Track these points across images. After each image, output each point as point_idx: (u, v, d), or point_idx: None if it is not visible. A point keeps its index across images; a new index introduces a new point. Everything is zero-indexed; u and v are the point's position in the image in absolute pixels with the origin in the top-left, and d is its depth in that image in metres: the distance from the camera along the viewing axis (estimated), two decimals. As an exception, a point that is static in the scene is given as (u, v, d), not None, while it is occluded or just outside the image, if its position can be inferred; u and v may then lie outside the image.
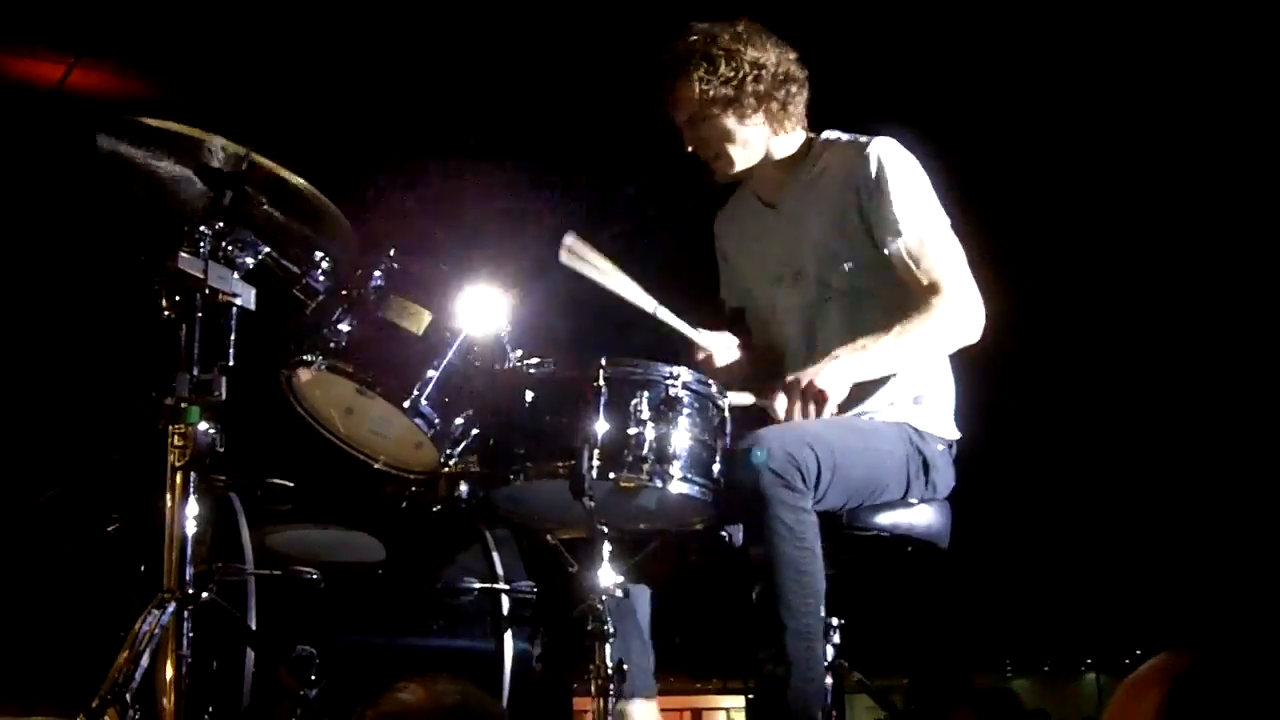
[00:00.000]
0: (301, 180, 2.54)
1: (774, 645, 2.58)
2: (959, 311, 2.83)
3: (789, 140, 3.03)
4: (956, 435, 3.00)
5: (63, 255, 5.11)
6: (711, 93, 2.91)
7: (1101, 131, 4.83)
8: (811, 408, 2.72)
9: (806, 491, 2.63)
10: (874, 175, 2.87)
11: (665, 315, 2.89)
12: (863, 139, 2.94)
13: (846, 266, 2.92)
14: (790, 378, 2.75)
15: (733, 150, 2.99)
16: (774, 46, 2.97)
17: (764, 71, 2.93)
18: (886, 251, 2.86)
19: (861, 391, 2.93)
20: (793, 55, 3.00)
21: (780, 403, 2.74)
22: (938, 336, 2.84)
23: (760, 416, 2.88)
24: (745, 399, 2.83)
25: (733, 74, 2.90)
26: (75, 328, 5.14)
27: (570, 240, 2.79)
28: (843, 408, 2.94)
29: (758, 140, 2.99)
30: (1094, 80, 4.75)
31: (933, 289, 2.83)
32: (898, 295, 2.87)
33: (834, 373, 2.74)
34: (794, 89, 2.98)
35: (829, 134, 3.05)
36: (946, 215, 2.93)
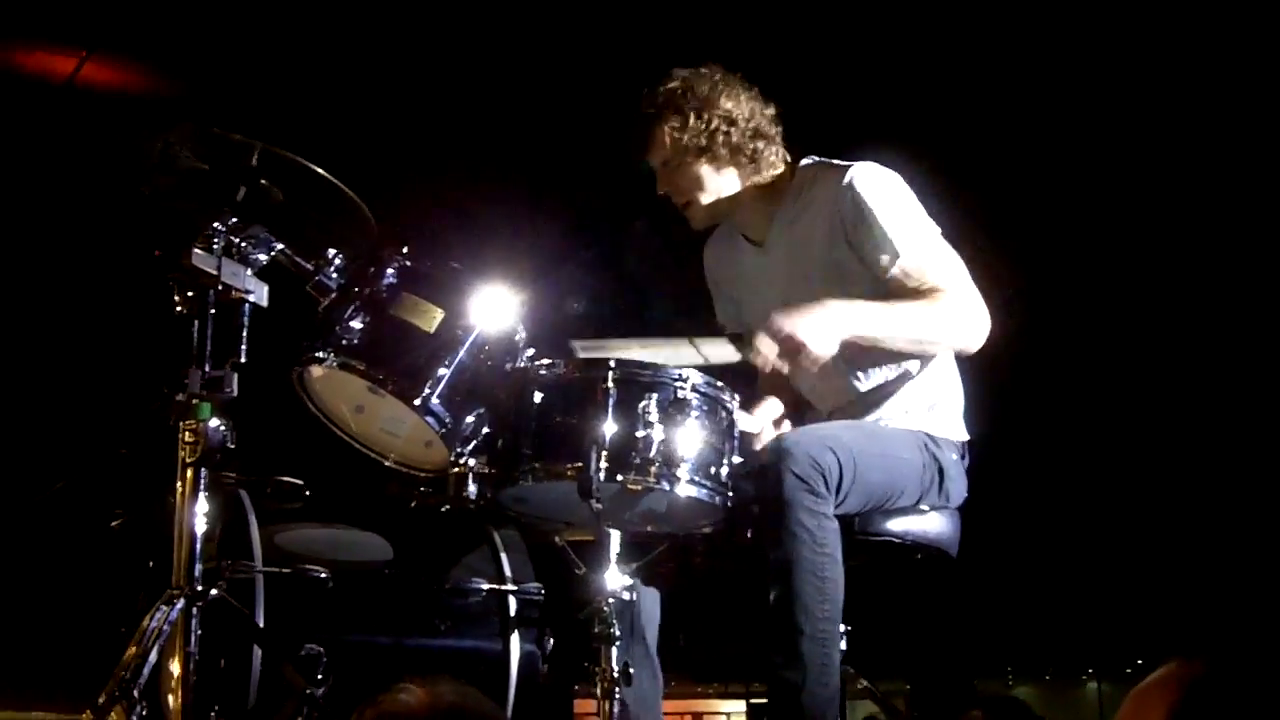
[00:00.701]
0: (321, 170, 2.55)
1: (789, 650, 2.59)
2: (960, 309, 2.81)
3: (768, 176, 3.01)
4: (966, 437, 3.00)
5: (73, 249, 5.12)
6: (684, 142, 2.92)
7: (1114, 136, 4.82)
8: (788, 357, 2.68)
9: (828, 496, 2.63)
10: (855, 207, 2.85)
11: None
12: (840, 167, 2.92)
13: (843, 296, 2.86)
14: (773, 320, 2.69)
15: (704, 198, 2.99)
16: (748, 98, 2.97)
17: (735, 125, 2.94)
18: (885, 278, 2.84)
19: (877, 398, 2.94)
20: (768, 110, 3.00)
21: (763, 343, 2.69)
22: (935, 324, 2.80)
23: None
24: (726, 352, 2.79)
25: (704, 125, 2.92)
26: (84, 322, 5.14)
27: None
28: (859, 413, 2.94)
29: (730, 187, 2.99)
30: (1097, 81, 4.74)
31: (935, 291, 2.81)
32: None
33: (819, 322, 2.69)
34: (764, 143, 2.98)
35: (808, 161, 3.03)
36: (938, 225, 2.90)
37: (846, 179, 2.87)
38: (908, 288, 2.83)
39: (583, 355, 2.72)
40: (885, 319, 2.77)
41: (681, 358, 2.81)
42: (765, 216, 3.03)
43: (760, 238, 3.06)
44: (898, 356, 2.93)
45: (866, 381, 2.97)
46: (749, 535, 2.79)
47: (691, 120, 2.91)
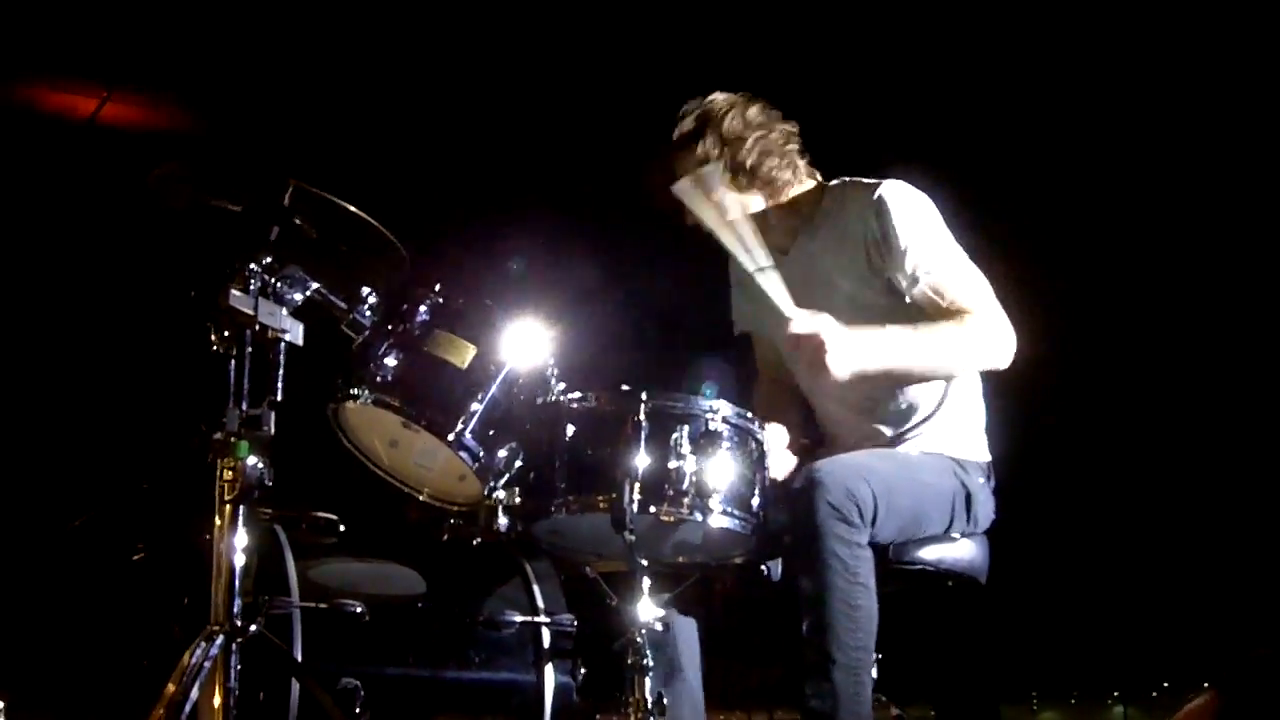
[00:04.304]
0: (353, 207, 2.58)
1: (821, 679, 2.59)
2: (989, 329, 2.83)
3: (793, 194, 3.03)
4: (989, 458, 3.01)
5: (103, 287, 5.16)
6: (709, 168, 2.93)
7: (1154, 157, 4.82)
8: (804, 356, 2.70)
9: (862, 526, 2.64)
10: (882, 226, 2.87)
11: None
12: (869, 184, 2.94)
13: (865, 311, 2.90)
14: (818, 319, 2.69)
15: (729, 219, 2.98)
16: (772, 121, 2.99)
17: (760, 148, 2.95)
18: (909, 299, 2.86)
19: (903, 422, 2.95)
20: (791, 129, 3.02)
21: (798, 325, 2.71)
22: (965, 347, 2.82)
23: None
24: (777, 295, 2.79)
25: (731, 152, 2.94)
26: (112, 360, 5.18)
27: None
28: (886, 443, 2.95)
29: (757, 207, 3.00)
30: (1133, 102, 4.75)
31: (962, 312, 2.83)
32: None
33: (845, 340, 2.68)
34: (788, 165, 3.00)
35: (835, 181, 3.05)
36: (965, 245, 2.93)
37: (875, 196, 2.89)
38: (935, 307, 2.85)
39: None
40: (910, 345, 2.79)
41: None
42: (791, 232, 3.05)
43: (786, 244, 3.07)
44: (924, 388, 2.94)
45: (893, 417, 2.97)
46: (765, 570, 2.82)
47: (718, 147, 2.94)
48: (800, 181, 3.03)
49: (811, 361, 2.69)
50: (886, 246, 2.86)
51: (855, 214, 2.93)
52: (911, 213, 2.88)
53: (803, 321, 2.71)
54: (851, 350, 2.69)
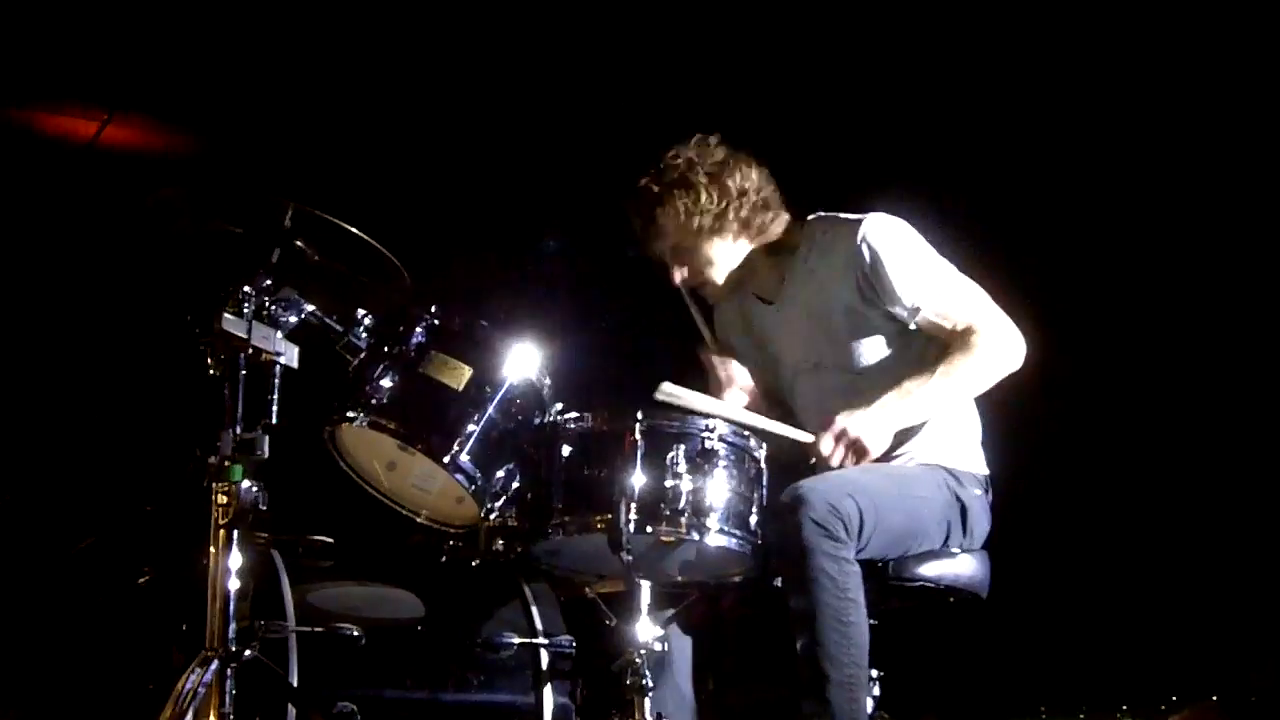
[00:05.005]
0: (354, 229, 2.58)
1: (818, 697, 2.58)
2: (999, 343, 2.85)
3: (774, 236, 3.01)
4: (987, 471, 3.00)
5: (109, 309, 5.16)
6: (696, 222, 2.91)
7: (1151, 172, 4.80)
8: (851, 458, 2.74)
9: (849, 541, 2.63)
10: (870, 263, 2.86)
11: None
12: (852, 221, 2.92)
13: (862, 349, 2.92)
14: (836, 423, 2.75)
15: (717, 275, 2.99)
16: (752, 169, 2.97)
17: (745, 197, 2.93)
18: (913, 327, 2.88)
19: (896, 437, 2.94)
20: (767, 175, 2.99)
21: (825, 444, 2.75)
22: (983, 370, 2.85)
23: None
24: (789, 431, 2.82)
25: (718, 202, 2.91)
26: (110, 382, 5.18)
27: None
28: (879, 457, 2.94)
29: (741, 256, 2.99)
30: (1116, 105, 4.74)
31: (969, 331, 2.85)
32: (926, 356, 2.88)
33: (878, 422, 2.76)
34: (771, 212, 2.99)
35: (815, 217, 3.03)
36: (962, 260, 2.94)
37: (860, 234, 2.88)
38: (940, 330, 2.87)
39: (662, 398, 2.72)
40: (937, 394, 2.82)
41: (751, 422, 2.81)
42: (777, 275, 3.03)
43: (773, 295, 3.06)
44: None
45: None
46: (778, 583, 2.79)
47: (702, 198, 2.90)
48: (782, 224, 3.02)
49: (857, 460, 2.74)
50: (881, 287, 2.87)
51: (845, 250, 2.91)
52: (898, 249, 2.88)
53: (825, 441, 2.75)
54: (880, 428, 2.75)
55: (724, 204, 2.91)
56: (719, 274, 2.99)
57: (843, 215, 2.97)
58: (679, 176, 2.92)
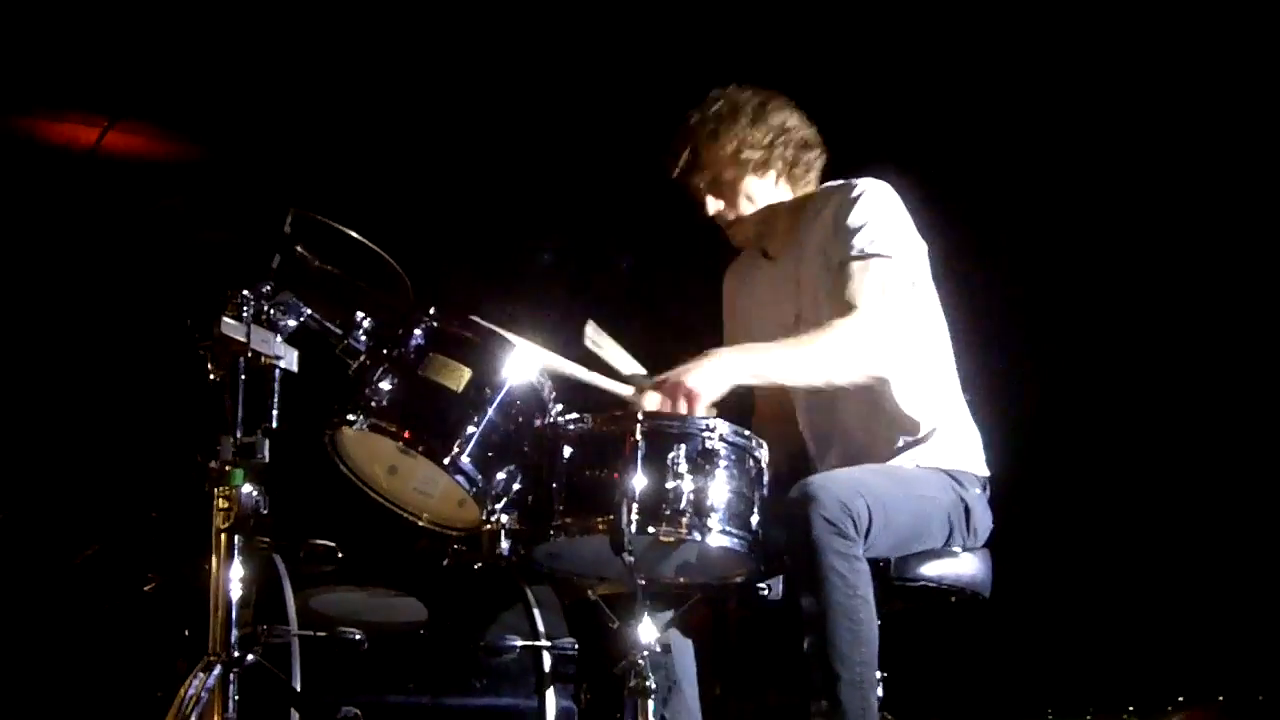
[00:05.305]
0: (355, 233, 2.58)
1: (828, 696, 2.58)
2: (858, 336, 2.80)
3: (805, 190, 3.08)
4: (987, 472, 3.00)
5: (114, 315, 5.17)
6: (743, 154, 2.97)
7: (1156, 168, 4.80)
8: (683, 404, 2.69)
9: (858, 540, 2.63)
10: (842, 205, 2.91)
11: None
12: (849, 183, 2.98)
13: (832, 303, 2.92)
14: (662, 376, 2.73)
15: (748, 211, 3.03)
16: (795, 112, 3.05)
17: (790, 135, 3.00)
18: (829, 271, 2.89)
19: (894, 438, 2.94)
20: (806, 119, 3.07)
21: (651, 400, 2.74)
22: (829, 354, 2.78)
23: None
24: (611, 385, 2.83)
25: (763, 136, 2.97)
26: (113, 388, 5.18)
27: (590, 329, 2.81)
28: (875, 455, 2.94)
29: (774, 199, 3.04)
30: (1113, 106, 4.74)
31: (844, 309, 2.83)
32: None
33: (708, 371, 2.70)
34: (815, 153, 3.06)
35: (831, 184, 3.08)
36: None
37: (853, 186, 2.94)
38: (835, 293, 2.87)
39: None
40: (777, 361, 2.78)
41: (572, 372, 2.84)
42: (792, 235, 3.08)
43: (778, 252, 3.12)
44: (914, 406, 2.94)
45: (884, 434, 2.97)
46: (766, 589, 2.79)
47: (751, 132, 2.97)
48: (820, 159, 3.09)
49: (689, 408, 2.67)
50: (839, 223, 2.90)
51: (834, 205, 2.97)
52: (871, 200, 2.91)
53: (650, 399, 2.74)
54: (714, 376, 2.69)
55: (770, 139, 2.98)
56: (753, 210, 3.03)
57: (853, 180, 3.01)
58: (729, 112, 2.98)
